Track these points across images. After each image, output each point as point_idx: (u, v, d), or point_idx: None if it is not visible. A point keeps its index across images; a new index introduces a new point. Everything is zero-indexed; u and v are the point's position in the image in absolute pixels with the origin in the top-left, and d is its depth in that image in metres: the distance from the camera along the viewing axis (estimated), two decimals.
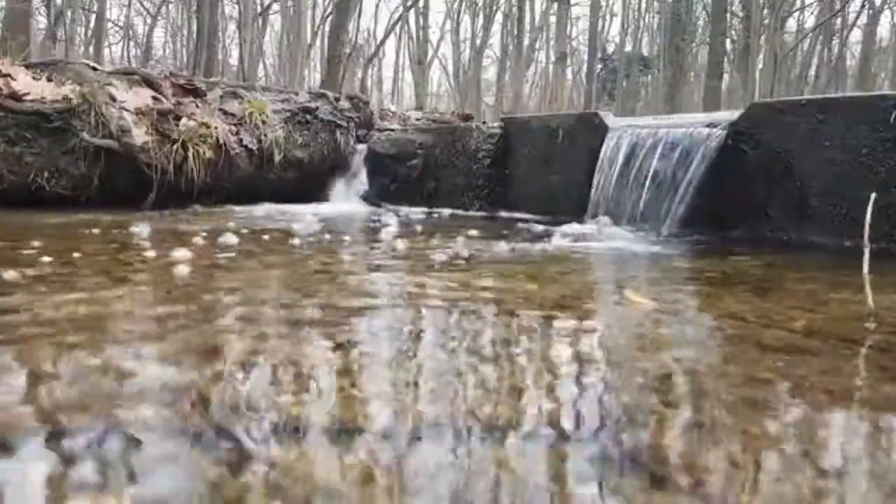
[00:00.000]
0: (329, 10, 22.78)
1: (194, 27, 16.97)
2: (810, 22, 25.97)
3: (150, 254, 2.65)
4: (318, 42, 23.43)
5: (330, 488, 0.81)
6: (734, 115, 3.96)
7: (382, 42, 25.33)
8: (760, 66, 22.03)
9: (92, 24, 21.17)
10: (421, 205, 5.84)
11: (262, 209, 5.27)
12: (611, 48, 29.80)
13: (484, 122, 6.50)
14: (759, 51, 22.01)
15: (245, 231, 3.50)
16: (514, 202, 5.33)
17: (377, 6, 56.40)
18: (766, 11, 21.06)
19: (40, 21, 18.04)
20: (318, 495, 0.80)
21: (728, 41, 21.01)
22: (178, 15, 27.38)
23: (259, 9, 23.50)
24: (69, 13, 17.03)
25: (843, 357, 1.49)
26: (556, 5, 24.20)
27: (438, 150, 5.84)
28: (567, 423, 1.06)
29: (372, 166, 6.26)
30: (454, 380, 1.25)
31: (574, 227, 4.12)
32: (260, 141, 5.73)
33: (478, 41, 30.04)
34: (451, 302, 1.92)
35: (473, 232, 3.72)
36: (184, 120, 5.28)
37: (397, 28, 26.91)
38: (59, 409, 1.03)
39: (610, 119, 4.71)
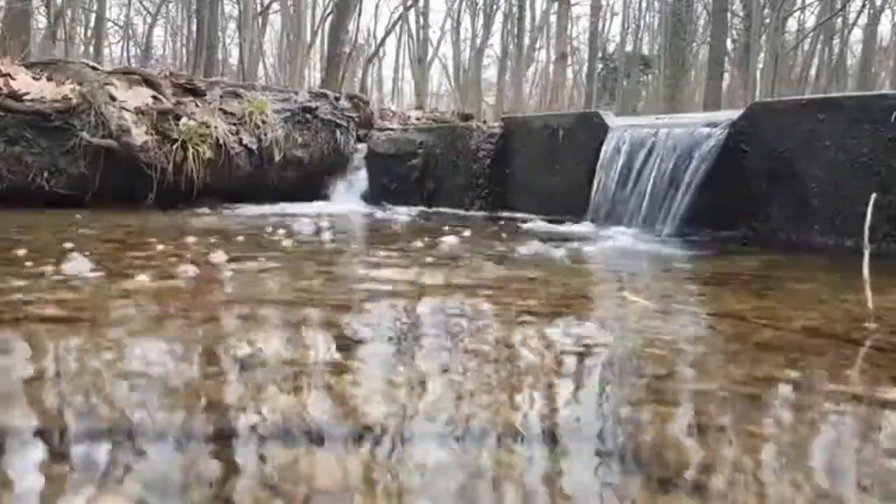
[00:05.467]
0: (329, 9, 22.77)
1: (194, 27, 16.95)
2: (811, 22, 25.96)
3: None
4: (318, 42, 23.41)
5: None
6: (734, 114, 3.96)
7: (382, 41, 25.33)
8: (761, 65, 22.00)
9: (92, 24, 21.16)
10: (421, 204, 5.83)
11: (278, 209, 5.28)
12: (611, 48, 29.74)
13: (484, 122, 6.50)
14: (760, 50, 21.99)
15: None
16: (515, 202, 5.32)
17: (377, 6, 56.42)
18: (766, 11, 21.04)
19: (40, 21, 18.03)
20: None
21: (728, 41, 20.98)
22: (177, 14, 27.33)
23: (259, 8, 23.48)
24: (69, 13, 17.01)
25: (844, 357, 1.49)
26: (556, 5, 24.18)
27: (438, 149, 5.83)
28: (565, 421, 1.06)
29: (372, 166, 6.26)
30: (450, 376, 1.25)
31: (574, 227, 4.12)
32: (260, 140, 5.72)
33: (478, 41, 30.02)
34: (454, 300, 1.92)
35: (471, 232, 3.72)
36: (184, 119, 5.28)
37: (397, 27, 26.91)
38: None
39: (610, 119, 4.70)
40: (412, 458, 0.92)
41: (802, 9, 25.63)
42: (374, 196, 6.17)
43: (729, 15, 19.27)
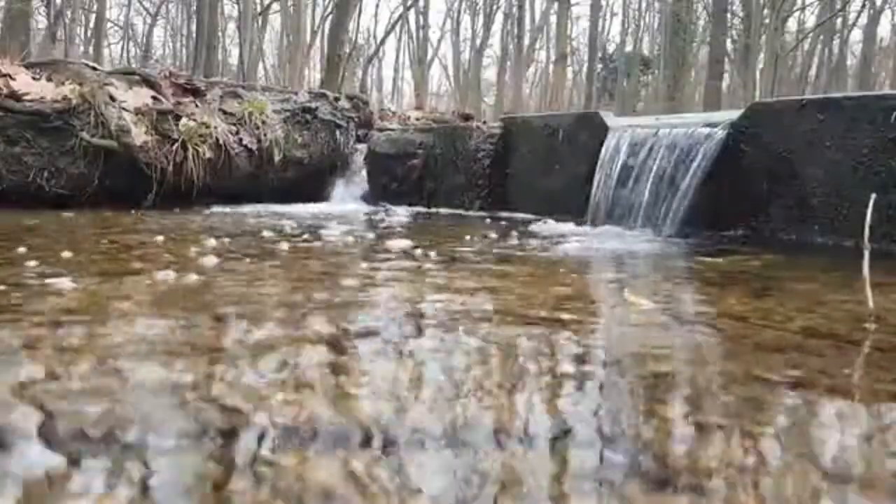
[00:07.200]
0: (329, 9, 22.78)
1: (194, 27, 16.96)
2: (810, 22, 25.98)
3: None
4: (318, 42, 23.41)
5: None
6: (734, 114, 3.96)
7: (382, 42, 25.32)
8: (761, 65, 22.01)
9: (92, 24, 21.17)
10: (421, 205, 5.83)
11: (277, 209, 5.27)
12: (611, 48, 29.73)
13: (484, 122, 6.50)
14: (760, 51, 21.99)
15: None
16: (515, 202, 5.32)
17: (377, 6, 56.46)
18: (766, 11, 21.04)
19: (40, 21, 18.04)
20: None
21: (728, 41, 20.98)
22: (177, 15, 27.39)
23: (259, 8, 23.48)
24: (69, 13, 17.02)
25: (843, 357, 1.48)
26: (556, 5, 24.20)
27: (438, 150, 5.84)
28: (565, 422, 1.06)
29: (372, 166, 6.26)
30: (450, 381, 1.25)
31: (574, 227, 4.12)
32: (260, 141, 5.72)
33: (478, 41, 30.03)
34: (451, 300, 1.92)
35: (474, 231, 3.71)
36: (183, 120, 5.28)
37: (397, 28, 26.90)
38: None
39: (610, 119, 4.70)
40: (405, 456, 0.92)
41: (802, 9, 25.67)
42: (374, 196, 6.17)
43: (729, 15, 19.27)
